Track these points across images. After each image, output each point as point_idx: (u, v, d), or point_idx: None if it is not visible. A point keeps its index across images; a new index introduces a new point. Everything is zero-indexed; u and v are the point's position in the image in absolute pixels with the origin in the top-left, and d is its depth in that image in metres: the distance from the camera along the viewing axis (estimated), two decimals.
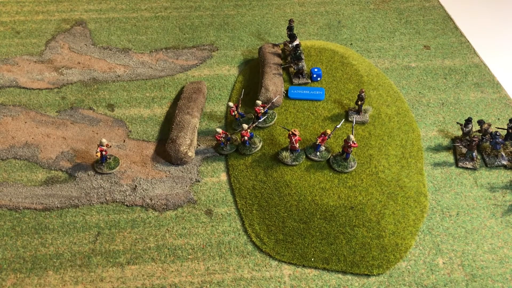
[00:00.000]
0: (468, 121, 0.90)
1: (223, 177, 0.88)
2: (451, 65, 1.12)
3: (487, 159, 0.90)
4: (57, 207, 0.84)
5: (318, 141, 0.85)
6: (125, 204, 0.84)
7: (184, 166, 0.90)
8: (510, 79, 1.08)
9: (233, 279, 0.74)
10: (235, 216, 0.83)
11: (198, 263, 0.76)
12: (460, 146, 0.91)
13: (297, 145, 0.85)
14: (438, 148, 0.93)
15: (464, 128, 0.91)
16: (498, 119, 0.98)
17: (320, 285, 0.74)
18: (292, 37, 1.04)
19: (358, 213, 0.78)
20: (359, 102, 0.91)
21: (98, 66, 1.11)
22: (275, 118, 0.94)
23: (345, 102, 0.96)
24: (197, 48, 1.17)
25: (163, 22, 1.25)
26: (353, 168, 0.84)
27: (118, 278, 0.74)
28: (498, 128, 0.91)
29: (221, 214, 0.83)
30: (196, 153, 0.91)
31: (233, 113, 0.92)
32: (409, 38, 1.20)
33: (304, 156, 0.86)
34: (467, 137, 0.89)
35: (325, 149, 0.87)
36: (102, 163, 0.88)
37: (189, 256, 0.77)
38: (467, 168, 0.89)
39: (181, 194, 0.85)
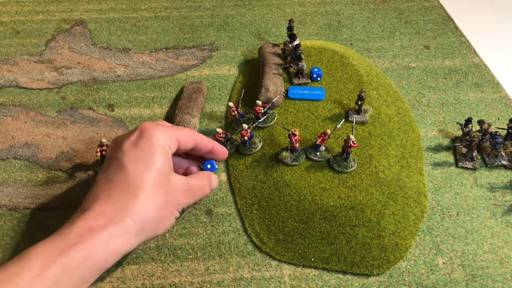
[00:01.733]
0: (468, 121, 0.90)
1: (223, 177, 0.88)
2: (451, 65, 1.12)
3: (487, 159, 0.90)
4: (57, 207, 0.83)
5: (318, 141, 0.84)
6: None
7: None
8: (510, 79, 1.08)
9: (233, 279, 0.74)
10: (235, 216, 0.83)
11: (198, 263, 0.76)
12: (460, 146, 0.91)
13: (297, 145, 0.85)
14: (438, 148, 0.93)
15: (464, 128, 0.91)
16: (498, 119, 0.98)
17: (320, 285, 0.74)
18: (292, 37, 1.04)
19: (358, 213, 0.78)
20: (359, 102, 0.91)
21: (98, 66, 1.11)
22: (275, 118, 0.94)
23: (345, 102, 0.96)
24: (197, 48, 1.17)
25: (163, 22, 1.25)
26: (353, 168, 0.84)
27: (118, 278, 0.74)
28: (498, 128, 0.91)
29: (221, 214, 0.83)
30: None
31: (233, 113, 0.91)
32: (409, 38, 1.20)
33: (304, 156, 0.86)
34: (467, 137, 0.89)
35: (325, 149, 0.87)
36: (102, 163, 0.88)
37: (189, 256, 0.77)
38: (467, 168, 0.89)
39: None
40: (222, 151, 0.78)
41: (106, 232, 0.56)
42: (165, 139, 0.65)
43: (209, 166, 0.78)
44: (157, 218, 0.61)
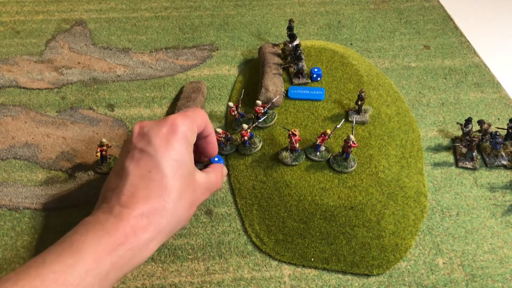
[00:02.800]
0: (468, 121, 0.90)
1: None
2: (451, 65, 1.12)
3: (487, 159, 0.90)
4: (57, 207, 0.83)
5: (318, 141, 0.84)
6: None
7: None
8: (510, 79, 1.08)
9: (233, 279, 0.74)
10: (235, 216, 0.83)
11: (198, 263, 0.76)
12: (460, 146, 0.91)
13: (297, 145, 0.85)
14: (438, 148, 0.93)
15: (464, 128, 0.91)
16: (498, 119, 0.98)
17: (320, 285, 0.74)
18: (292, 37, 1.04)
19: (358, 213, 0.78)
20: (359, 102, 0.91)
21: (98, 66, 1.11)
22: (275, 118, 0.94)
23: (345, 102, 0.96)
24: (197, 48, 1.17)
25: (163, 22, 1.25)
26: (353, 168, 0.84)
27: None
28: (498, 128, 0.91)
29: (221, 214, 0.83)
30: None
31: (233, 113, 0.91)
32: (409, 38, 1.20)
33: (304, 156, 0.86)
34: (467, 137, 0.89)
35: (325, 149, 0.87)
36: (102, 163, 0.88)
37: (189, 256, 0.77)
38: (467, 168, 0.89)
39: None
40: (215, 143, 0.78)
41: (147, 235, 0.59)
42: (192, 136, 0.67)
43: (216, 158, 0.80)
44: (185, 219, 0.66)
